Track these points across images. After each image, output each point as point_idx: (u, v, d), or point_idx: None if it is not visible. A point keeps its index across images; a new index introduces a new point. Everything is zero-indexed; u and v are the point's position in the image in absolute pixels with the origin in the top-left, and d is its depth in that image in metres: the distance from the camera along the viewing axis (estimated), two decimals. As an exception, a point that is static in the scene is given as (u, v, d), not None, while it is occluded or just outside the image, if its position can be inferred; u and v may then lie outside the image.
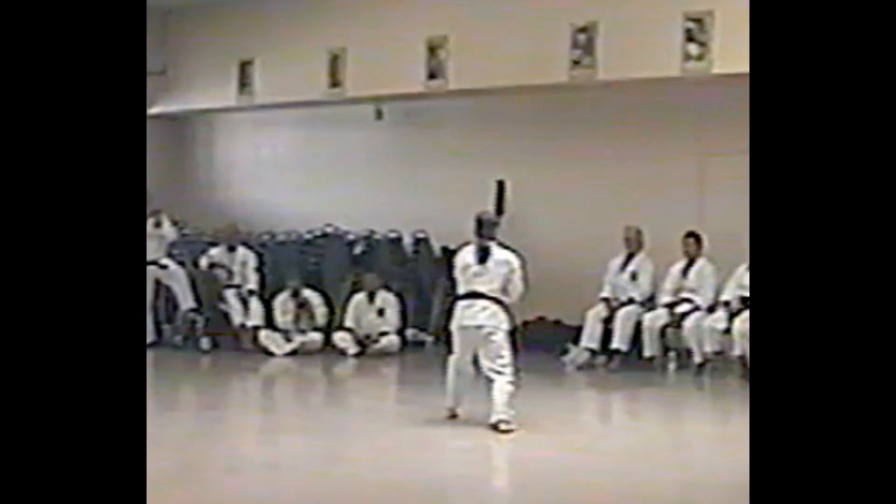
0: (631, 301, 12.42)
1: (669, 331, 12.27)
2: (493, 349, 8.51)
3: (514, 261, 8.67)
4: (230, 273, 13.95)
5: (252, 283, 13.90)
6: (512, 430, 8.27)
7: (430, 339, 14.32)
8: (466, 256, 8.71)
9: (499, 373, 8.49)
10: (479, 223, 8.73)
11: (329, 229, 15.09)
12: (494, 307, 8.53)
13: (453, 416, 8.79)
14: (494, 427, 8.32)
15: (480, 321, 8.49)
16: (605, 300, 12.51)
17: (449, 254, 14.77)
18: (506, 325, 8.60)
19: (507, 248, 8.74)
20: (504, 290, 8.59)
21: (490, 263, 8.56)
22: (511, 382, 8.45)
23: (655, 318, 12.23)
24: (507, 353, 8.55)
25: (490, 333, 8.50)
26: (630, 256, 12.63)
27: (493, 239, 8.69)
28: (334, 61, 14.55)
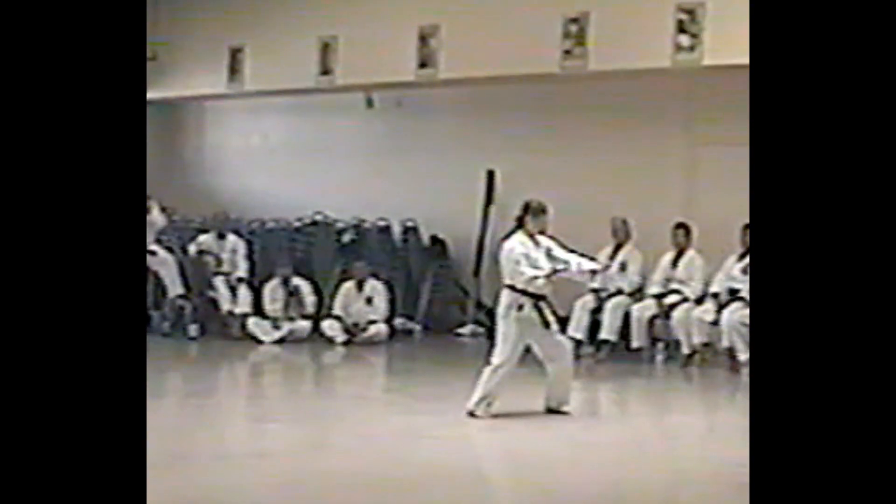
0: (619, 292, 12.43)
1: (658, 322, 12.28)
2: None
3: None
4: (219, 260, 13.94)
5: (242, 271, 13.90)
6: None
7: (418, 327, 14.33)
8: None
9: None
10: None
11: (318, 217, 15.08)
12: None
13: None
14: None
15: None
16: (594, 290, 12.51)
17: (438, 243, 14.84)
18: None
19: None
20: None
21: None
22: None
23: (644, 309, 12.24)
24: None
25: None
26: (618, 247, 12.63)
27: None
28: (325, 49, 14.52)
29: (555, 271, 8.50)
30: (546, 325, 8.51)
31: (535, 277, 8.43)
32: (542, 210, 8.70)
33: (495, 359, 8.49)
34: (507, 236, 8.75)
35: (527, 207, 8.69)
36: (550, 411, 8.74)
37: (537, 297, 8.49)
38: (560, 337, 8.85)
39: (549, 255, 8.58)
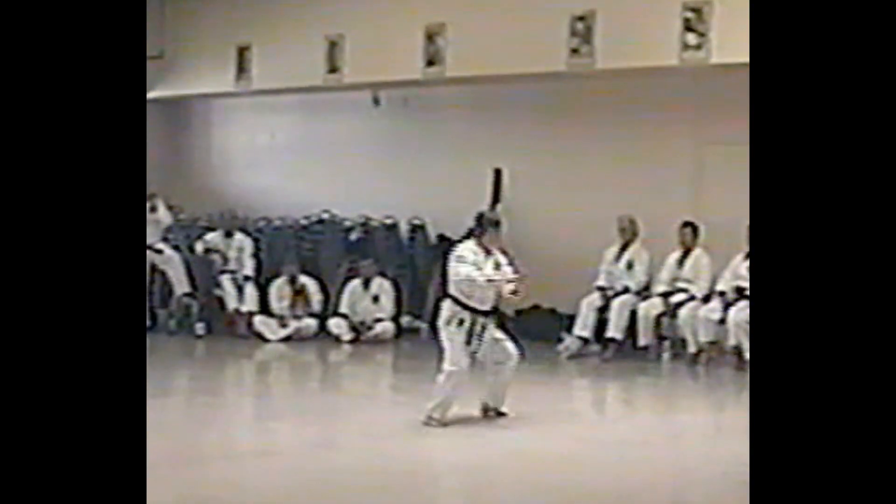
0: (626, 290, 12.42)
1: (664, 320, 12.27)
2: None
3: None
4: (226, 258, 13.96)
5: (248, 269, 13.92)
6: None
7: (424, 326, 14.32)
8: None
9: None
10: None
11: (325, 215, 15.09)
12: None
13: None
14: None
15: None
16: (601, 289, 12.51)
17: (445, 241, 14.83)
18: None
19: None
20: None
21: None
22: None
23: (650, 308, 12.24)
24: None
25: None
26: (625, 245, 12.63)
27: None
28: (332, 47, 14.52)
29: (490, 281, 8.18)
30: (468, 341, 8.19)
31: (470, 279, 8.12)
32: (497, 223, 8.45)
33: (446, 365, 8.28)
34: (457, 242, 8.57)
35: (480, 219, 8.47)
36: (487, 412, 8.58)
37: (477, 312, 8.26)
38: (507, 344, 8.52)
39: (496, 267, 8.32)
